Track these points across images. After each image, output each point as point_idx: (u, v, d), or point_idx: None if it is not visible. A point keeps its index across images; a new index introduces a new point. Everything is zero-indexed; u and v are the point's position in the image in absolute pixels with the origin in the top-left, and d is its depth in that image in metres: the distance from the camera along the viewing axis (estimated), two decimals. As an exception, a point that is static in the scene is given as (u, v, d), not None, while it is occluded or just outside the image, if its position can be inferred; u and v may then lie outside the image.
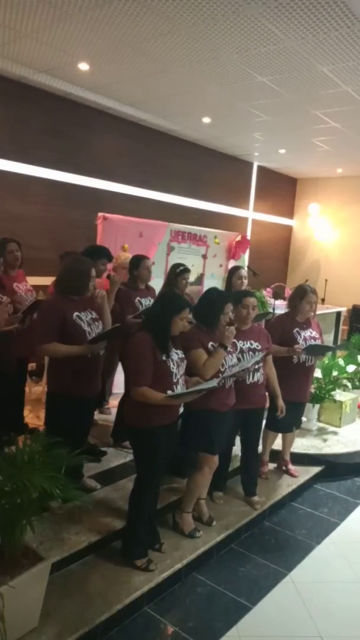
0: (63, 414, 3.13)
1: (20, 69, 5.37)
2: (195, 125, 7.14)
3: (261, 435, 4.02)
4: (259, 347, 3.56)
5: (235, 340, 3.49)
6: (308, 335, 4.02)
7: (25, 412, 4.53)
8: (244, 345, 3.52)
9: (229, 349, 3.17)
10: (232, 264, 7.14)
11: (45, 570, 2.42)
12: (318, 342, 4.08)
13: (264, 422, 3.94)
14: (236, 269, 5.04)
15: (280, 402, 3.78)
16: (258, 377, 3.60)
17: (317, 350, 4.05)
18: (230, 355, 3.27)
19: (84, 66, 5.15)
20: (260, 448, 4.14)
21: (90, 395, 3.26)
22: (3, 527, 2.28)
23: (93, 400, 3.37)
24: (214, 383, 2.90)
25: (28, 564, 2.35)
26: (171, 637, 2.63)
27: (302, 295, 4.02)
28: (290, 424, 4.15)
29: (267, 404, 3.83)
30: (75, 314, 3.10)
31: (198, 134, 7.70)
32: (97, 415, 4.74)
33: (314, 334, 4.08)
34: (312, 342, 4.00)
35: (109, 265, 4.23)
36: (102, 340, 3.14)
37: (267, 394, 3.78)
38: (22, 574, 2.28)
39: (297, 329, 4.00)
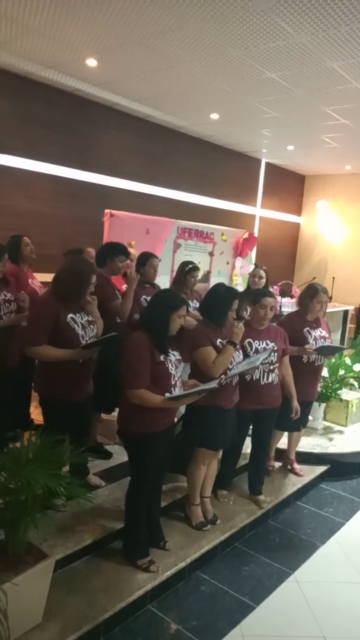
0: (54, 417, 2.99)
1: (28, 65, 5.36)
2: (203, 121, 7.11)
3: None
4: (275, 348, 3.54)
5: (250, 340, 3.48)
6: (318, 335, 4.00)
7: (32, 409, 4.53)
8: (259, 345, 3.50)
9: (237, 345, 3.15)
10: (239, 261, 7.12)
11: (49, 568, 2.42)
12: (328, 341, 4.06)
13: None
14: (255, 267, 5.01)
15: (295, 404, 3.74)
16: (273, 377, 3.57)
17: (327, 351, 4.03)
18: (237, 352, 3.24)
19: (91, 62, 5.14)
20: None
21: (80, 400, 3.06)
22: (7, 524, 2.29)
23: (84, 404, 3.17)
24: (214, 384, 2.81)
25: (32, 561, 2.35)
26: (174, 635, 2.63)
27: (313, 295, 3.99)
28: (297, 423, 4.13)
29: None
30: (70, 315, 2.92)
31: (206, 130, 7.66)
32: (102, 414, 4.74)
33: (324, 333, 4.06)
34: (322, 341, 3.99)
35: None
36: (97, 346, 2.99)
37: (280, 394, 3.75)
38: (25, 571, 2.28)
39: (307, 328, 3.98)
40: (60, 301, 2.91)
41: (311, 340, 3.93)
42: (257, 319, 3.52)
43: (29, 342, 2.88)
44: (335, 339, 6.11)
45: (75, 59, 5.11)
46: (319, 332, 4.02)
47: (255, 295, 3.60)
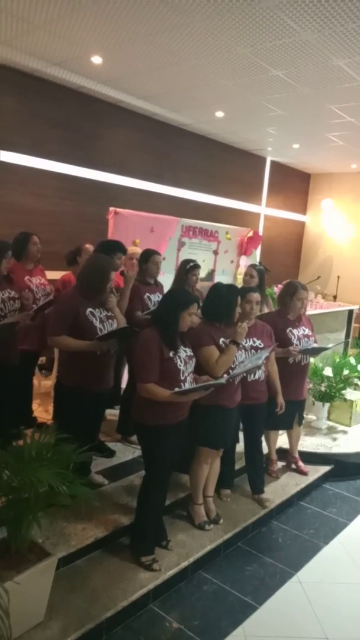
0: (73, 408, 3.16)
1: (33, 61, 5.35)
2: (209, 119, 7.08)
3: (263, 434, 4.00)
4: (262, 345, 3.54)
5: None
6: (301, 334, 3.99)
7: (34, 406, 4.54)
8: (246, 343, 3.49)
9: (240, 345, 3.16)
10: (243, 260, 7.09)
11: (51, 566, 2.42)
12: (312, 339, 4.06)
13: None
14: (249, 266, 4.97)
15: (280, 399, 3.77)
16: (259, 374, 3.62)
17: (313, 351, 4.05)
18: (239, 352, 3.24)
19: (97, 59, 5.12)
20: (266, 449, 4.13)
21: (101, 391, 3.26)
22: (10, 522, 2.29)
23: (104, 396, 3.36)
24: (222, 380, 2.88)
25: (34, 559, 2.36)
26: (176, 635, 2.63)
27: (292, 292, 3.96)
28: (289, 421, 4.12)
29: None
30: (89, 310, 3.12)
31: (211, 128, 7.63)
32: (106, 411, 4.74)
33: (307, 331, 4.05)
34: (306, 340, 3.99)
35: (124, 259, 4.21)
36: (111, 338, 3.14)
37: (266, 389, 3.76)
38: (28, 569, 2.28)
39: (290, 328, 3.96)
40: (82, 296, 3.14)
41: (295, 341, 3.92)
42: (244, 314, 3.49)
43: (50, 332, 3.12)
44: (339, 338, 6.08)
45: (80, 56, 5.10)
46: (302, 331, 4.00)
47: (239, 291, 3.57)
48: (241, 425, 3.72)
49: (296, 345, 3.88)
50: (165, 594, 2.88)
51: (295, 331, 3.96)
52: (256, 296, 3.55)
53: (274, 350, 3.73)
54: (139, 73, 5.44)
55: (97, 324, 3.14)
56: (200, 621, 2.72)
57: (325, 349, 4.33)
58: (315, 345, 4.07)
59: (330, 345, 4.68)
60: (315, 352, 4.12)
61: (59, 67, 5.46)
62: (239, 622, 2.74)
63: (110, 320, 3.24)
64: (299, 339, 3.94)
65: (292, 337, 3.93)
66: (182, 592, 2.94)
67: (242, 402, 3.44)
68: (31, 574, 2.28)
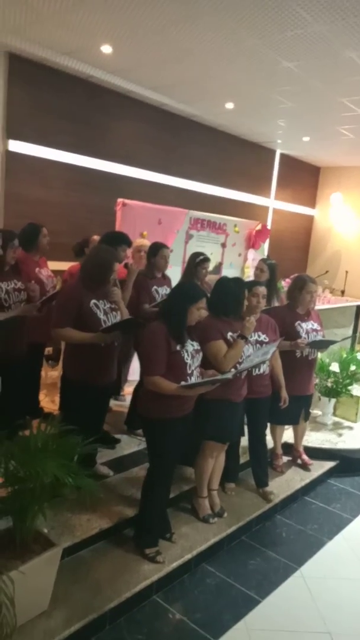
0: (77, 401, 3.16)
1: (42, 51, 5.31)
2: (218, 110, 7.02)
3: (268, 429, 4.00)
4: (267, 340, 3.53)
5: None
6: (310, 328, 3.96)
7: (41, 397, 4.55)
8: (251, 337, 3.48)
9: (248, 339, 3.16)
10: (251, 253, 7.05)
11: (56, 556, 2.44)
12: (320, 334, 4.03)
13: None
14: (260, 260, 4.95)
15: (284, 393, 3.76)
16: (264, 368, 3.61)
17: (321, 345, 4.02)
18: (247, 346, 3.23)
19: (106, 49, 5.08)
20: (271, 443, 4.13)
21: (105, 384, 3.26)
22: (15, 512, 2.30)
23: (108, 389, 3.38)
24: (229, 375, 2.88)
25: (39, 549, 2.37)
26: (178, 627, 2.64)
27: (301, 286, 3.93)
28: (295, 416, 4.12)
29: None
30: (93, 301, 3.11)
31: (220, 119, 7.57)
32: (111, 402, 4.75)
33: (315, 325, 4.02)
34: (314, 334, 3.96)
35: (129, 252, 4.20)
36: (115, 330, 3.12)
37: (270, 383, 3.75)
38: (33, 559, 2.29)
39: (298, 321, 3.94)
40: (86, 288, 3.13)
41: (303, 334, 3.89)
42: (251, 308, 3.46)
43: (54, 324, 3.10)
44: (346, 334, 6.05)
45: (90, 46, 5.06)
46: (310, 325, 3.98)
47: (247, 285, 3.55)
48: (245, 419, 3.73)
49: (304, 338, 3.86)
50: (169, 586, 2.89)
51: (304, 325, 3.94)
52: (262, 289, 3.53)
53: (279, 344, 3.71)
54: (148, 63, 5.40)
55: (101, 315, 3.13)
56: (203, 614, 2.73)
57: (333, 342, 4.32)
58: (320, 334, 4.04)
59: (338, 339, 4.66)
60: (323, 345, 4.08)
61: (68, 56, 5.43)
62: (241, 616, 2.75)
63: (114, 312, 3.23)
64: (307, 332, 3.92)
65: (301, 330, 3.90)
66: (185, 584, 2.95)
67: (246, 395, 3.44)
68: (36, 564, 2.29)
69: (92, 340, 3.05)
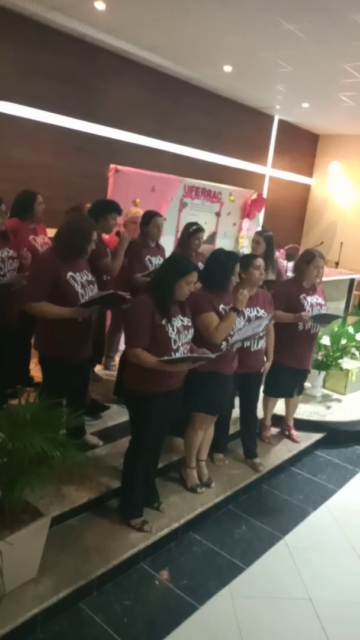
0: (53, 376, 3.04)
1: (32, 5, 5.07)
2: (216, 73, 6.79)
3: (260, 401, 4.04)
4: (265, 315, 3.52)
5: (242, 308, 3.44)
6: (314, 302, 3.96)
7: (31, 366, 4.54)
8: (250, 312, 3.47)
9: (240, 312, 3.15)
10: (246, 222, 6.96)
11: (44, 526, 2.47)
12: (324, 308, 4.02)
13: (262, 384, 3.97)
14: (256, 232, 4.89)
15: (268, 365, 3.78)
16: (262, 344, 3.63)
17: (324, 319, 4.00)
18: (239, 319, 3.22)
19: (100, 5, 4.86)
20: (261, 414, 4.17)
21: (79, 359, 3.10)
22: (3, 484, 2.31)
23: (84, 364, 3.24)
24: (211, 355, 2.86)
25: (28, 519, 2.40)
26: (165, 593, 2.71)
27: (309, 260, 3.92)
28: (290, 389, 4.16)
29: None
30: (70, 274, 2.93)
31: (218, 83, 7.34)
32: (101, 371, 4.76)
33: (320, 300, 4.02)
34: (318, 308, 3.95)
35: (119, 220, 4.12)
36: (95, 304, 2.97)
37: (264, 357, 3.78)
38: (21, 529, 2.32)
39: (303, 294, 3.93)
40: (61, 259, 2.92)
41: (307, 307, 3.89)
42: (253, 281, 3.46)
43: (29, 298, 2.90)
44: (339, 308, 6.05)
45: (83, 1, 4.82)
46: (315, 299, 3.97)
47: (246, 258, 3.51)
48: (237, 392, 3.75)
49: (308, 311, 3.86)
50: (155, 554, 2.95)
51: (309, 298, 3.94)
52: (261, 261, 3.52)
53: (281, 316, 3.72)
54: (145, 22, 5.18)
55: (79, 289, 2.95)
56: (189, 580, 2.81)
57: (337, 317, 4.32)
58: (324, 309, 4.03)
59: (341, 314, 4.66)
60: (327, 319, 4.07)
61: (59, 12, 5.19)
62: (226, 583, 2.83)
63: (91, 286, 3.05)
64: (311, 306, 3.91)
65: (305, 303, 3.90)
66: (172, 552, 3.02)
67: (241, 370, 3.46)
68: (24, 533, 2.32)
69: (69, 315, 2.88)
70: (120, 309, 4.29)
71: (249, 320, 3.43)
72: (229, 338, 3.12)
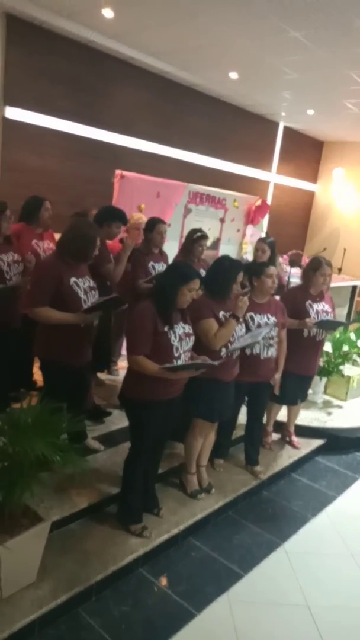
0: (53, 380, 3.05)
1: (41, 13, 5.12)
2: (221, 79, 6.82)
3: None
4: (275, 322, 3.54)
5: (252, 314, 3.46)
6: (320, 309, 3.96)
7: (35, 369, 4.56)
8: (261, 319, 3.49)
9: (241, 319, 3.16)
10: (249, 229, 6.99)
11: (44, 531, 2.49)
12: (330, 316, 4.02)
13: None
14: (259, 240, 4.92)
15: (278, 377, 3.76)
16: (272, 352, 3.61)
17: (328, 325, 4.00)
18: (239, 326, 3.24)
19: (108, 12, 4.90)
20: (264, 419, 4.18)
21: (79, 365, 3.09)
22: (4, 487, 2.33)
23: (83, 369, 3.22)
24: (214, 362, 2.87)
25: (28, 524, 2.42)
26: (163, 598, 2.72)
27: (316, 267, 3.94)
28: (295, 396, 4.17)
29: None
30: (73, 279, 2.93)
31: (223, 89, 7.37)
32: (105, 376, 4.78)
33: (327, 307, 4.03)
34: (324, 315, 3.96)
35: (123, 229, 4.15)
36: (97, 310, 2.98)
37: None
38: (21, 533, 2.34)
39: (309, 301, 3.94)
40: (64, 264, 2.92)
41: (312, 314, 3.90)
42: (265, 290, 3.50)
43: (31, 304, 2.89)
44: (341, 315, 6.05)
45: (90, 8, 4.87)
46: (321, 306, 3.98)
47: (259, 267, 3.55)
48: (245, 399, 3.79)
49: (313, 318, 3.87)
50: (154, 560, 2.96)
51: (315, 305, 3.95)
52: (275, 269, 3.56)
53: (284, 328, 3.72)
54: (151, 28, 5.22)
55: (82, 295, 2.95)
56: (187, 586, 2.81)
57: (342, 323, 4.33)
58: (330, 317, 4.04)
59: (346, 321, 4.66)
60: (331, 326, 4.07)
61: (68, 19, 5.23)
62: (224, 589, 2.83)
63: (93, 292, 3.06)
64: (317, 312, 3.93)
65: (311, 310, 3.91)
66: (171, 558, 3.02)
67: (252, 378, 3.50)
68: (24, 538, 2.34)
69: (74, 320, 2.88)
70: (122, 314, 4.33)
71: (259, 326, 3.45)
72: (229, 345, 3.14)
